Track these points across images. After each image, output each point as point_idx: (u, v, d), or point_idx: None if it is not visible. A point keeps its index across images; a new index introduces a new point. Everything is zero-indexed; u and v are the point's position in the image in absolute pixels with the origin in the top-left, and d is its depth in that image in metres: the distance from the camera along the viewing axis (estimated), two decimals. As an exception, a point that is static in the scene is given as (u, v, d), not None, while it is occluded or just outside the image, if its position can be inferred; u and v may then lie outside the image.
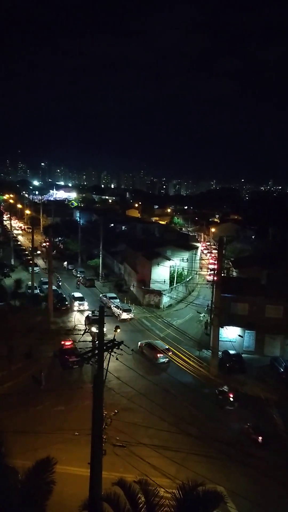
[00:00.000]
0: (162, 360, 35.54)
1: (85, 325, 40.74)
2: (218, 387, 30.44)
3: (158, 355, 35.56)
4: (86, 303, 49.91)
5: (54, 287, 50.10)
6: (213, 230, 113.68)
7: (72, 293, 53.26)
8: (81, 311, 48.50)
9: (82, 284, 62.21)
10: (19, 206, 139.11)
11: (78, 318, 46.09)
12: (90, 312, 44.34)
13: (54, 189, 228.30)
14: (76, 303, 49.94)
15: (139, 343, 38.46)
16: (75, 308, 49.33)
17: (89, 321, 40.58)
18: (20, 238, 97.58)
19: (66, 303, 50.85)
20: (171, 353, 36.91)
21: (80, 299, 50.96)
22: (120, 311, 46.81)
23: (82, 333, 32.58)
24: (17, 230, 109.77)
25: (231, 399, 28.99)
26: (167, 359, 35.88)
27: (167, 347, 37.58)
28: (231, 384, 32.60)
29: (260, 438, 24.73)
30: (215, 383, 32.88)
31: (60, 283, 59.04)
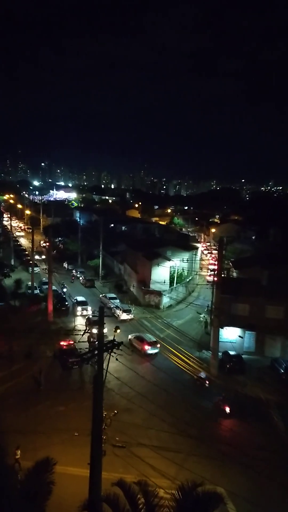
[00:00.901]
0: (150, 352, 37.38)
1: (86, 326, 40.34)
2: (196, 374, 33.46)
3: (146, 347, 37.45)
4: (89, 308, 47.68)
5: (54, 288, 49.88)
6: (213, 230, 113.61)
7: (75, 298, 51.33)
8: (84, 316, 46.70)
9: (76, 279, 63.76)
10: (19, 206, 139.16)
11: (78, 319, 46.01)
12: (91, 314, 44.28)
13: (54, 189, 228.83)
14: (79, 308, 47.94)
15: (129, 336, 39.70)
16: (78, 313, 47.26)
17: (89, 322, 40.43)
18: (22, 241, 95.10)
19: (66, 303, 50.77)
20: (159, 345, 38.44)
21: (83, 303, 48.88)
22: (120, 312, 46.82)
23: (82, 333, 32.60)
24: (19, 232, 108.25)
25: (207, 385, 32.02)
26: (155, 351, 37.71)
27: (155, 339, 39.07)
28: (230, 384, 32.75)
29: (227, 408, 28.16)
30: (215, 384, 32.99)
31: (65, 290, 56.52)
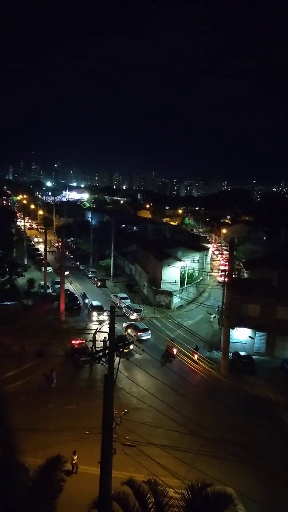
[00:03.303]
0: (143, 337, 41.08)
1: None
2: (168, 344, 38.80)
3: (140, 333, 41.21)
4: (106, 313, 45.40)
5: (66, 287, 50.03)
6: (224, 231, 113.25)
7: (91, 302, 49.46)
8: (100, 322, 44.64)
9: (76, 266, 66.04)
10: (32, 206, 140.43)
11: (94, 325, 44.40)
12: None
13: (67, 190, 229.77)
14: (95, 313, 46.43)
15: (123, 324, 42.62)
16: (94, 319, 45.83)
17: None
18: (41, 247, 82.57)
19: (78, 302, 50.98)
20: (150, 331, 42.46)
21: (99, 308, 47.06)
22: (131, 311, 46.97)
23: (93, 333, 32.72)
24: (37, 237, 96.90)
25: (174, 352, 37.19)
26: (148, 337, 41.56)
27: (146, 327, 42.92)
28: (240, 384, 32.67)
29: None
30: (225, 384, 32.94)
31: (87, 300, 51.58)
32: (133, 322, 44.09)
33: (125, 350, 33.56)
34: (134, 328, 41.93)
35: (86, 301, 51.63)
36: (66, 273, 61.36)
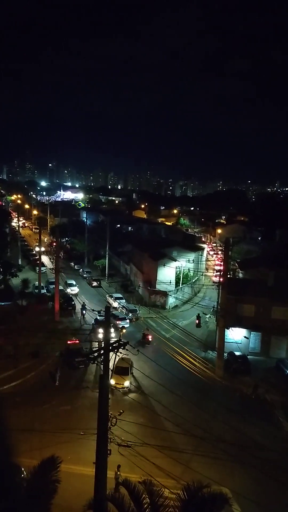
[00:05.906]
0: (122, 325, 42.80)
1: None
2: (143, 331, 41.37)
3: (118, 322, 42.92)
4: (112, 330, 37.30)
5: (60, 287, 49.82)
6: (219, 231, 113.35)
7: (96, 317, 41.78)
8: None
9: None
10: (27, 206, 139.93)
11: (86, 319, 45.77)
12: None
13: (61, 190, 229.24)
14: (101, 330, 37.61)
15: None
16: (99, 336, 37.80)
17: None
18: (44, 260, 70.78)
19: (73, 302, 50.73)
20: (128, 320, 44.71)
21: None
22: (126, 311, 46.94)
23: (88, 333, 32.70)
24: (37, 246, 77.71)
25: (150, 339, 40.04)
26: (127, 325, 43.55)
27: (124, 316, 45.35)
28: (235, 384, 32.71)
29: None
30: (220, 384, 32.98)
31: (85, 312, 46.19)
32: (112, 311, 43.61)
33: (118, 386, 30.08)
34: (113, 316, 42.39)
35: (84, 312, 46.23)
36: (76, 290, 56.14)
